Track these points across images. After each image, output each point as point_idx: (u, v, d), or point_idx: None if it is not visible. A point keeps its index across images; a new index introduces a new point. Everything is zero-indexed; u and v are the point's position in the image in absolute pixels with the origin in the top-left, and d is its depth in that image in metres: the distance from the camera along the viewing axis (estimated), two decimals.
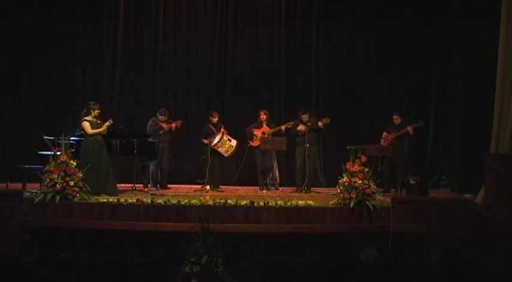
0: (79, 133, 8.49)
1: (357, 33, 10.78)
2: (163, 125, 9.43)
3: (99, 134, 8.00)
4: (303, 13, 10.95)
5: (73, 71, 10.62)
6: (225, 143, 9.30)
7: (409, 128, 9.23)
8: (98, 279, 4.52)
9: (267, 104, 10.40)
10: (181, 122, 9.67)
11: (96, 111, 8.08)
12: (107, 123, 8.05)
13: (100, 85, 10.72)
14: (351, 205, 7.18)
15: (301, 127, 9.29)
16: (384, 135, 9.49)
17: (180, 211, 7.10)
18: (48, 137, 7.75)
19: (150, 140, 9.18)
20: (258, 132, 9.54)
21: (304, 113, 9.31)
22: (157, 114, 9.53)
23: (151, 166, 9.52)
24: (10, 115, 10.29)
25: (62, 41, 10.47)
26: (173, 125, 9.49)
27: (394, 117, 9.49)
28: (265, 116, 9.60)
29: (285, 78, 10.94)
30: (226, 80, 10.99)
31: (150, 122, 9.55)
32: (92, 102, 8.19)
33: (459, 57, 10.09)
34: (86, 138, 7.98)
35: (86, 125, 7.95)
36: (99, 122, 8.07)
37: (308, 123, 9.28)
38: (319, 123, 9.26)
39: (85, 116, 8.02)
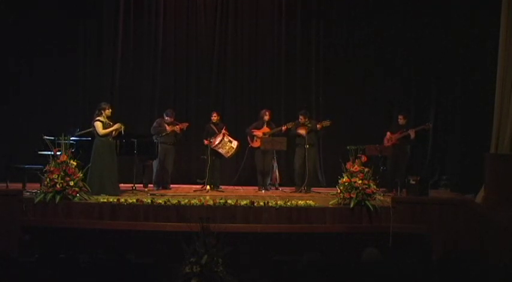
0: (79, 133, 8.53)
1: (357, 33, 10.76)
2: (168, 127, 9.36)
3: (110, 134, 8.07)
4: (303, 13, 10.94)
5: (73, 71, 10.62)
6: (226, 145, 9.29)
7: (411, 132, 9.24)
8: (98, 279, 4.52)
9: (267, 104, 10.39)
10: (187, 124, 9.51)
11: (107, 111, 8.16)
12: (116, 127, 8.11)
13: (100, 85, 10.72)
14: (351, 205, 7.19)
15: (301, 130, 9.26)
16: (387, 136, 9.50)
17: (180, 211, 7.10)
18: (48, 137, 7.75)
19: (154, 139, 9.17)
20: (258, 133, 9.53)
21: (301, 115, 9.30)
22: (164, 115, 9.49)
23: (155, 167, 9.49)
24: (10, 115, 10.28)
25: (62, 41, 10.46)
26: (178, 127, 9.41)
27: (399, 117, 9.51)
28: (268, 116, 9.59)
29: (285, 78, 10.94)
30: (226, 80, 10.99)
31: (154, 123, 9.51)
32: (103, 102, 8.32)
33: (459, 57, 10.08)
34: (97, 139, 8.06)
35: (99, 125, 8.03)
36: (111, 123, 8.15)
37: (309, 125, 9.28)
38: (318, 126, 9.25)
39: (98, 117, 8.08)
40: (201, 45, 10.91)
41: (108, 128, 8.07)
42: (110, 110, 8.21)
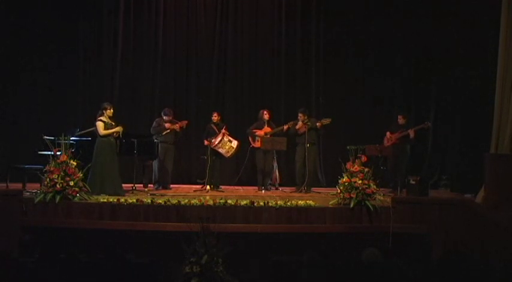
0: (79, 133, 8.54)
1: (358, 32, 10.76)
2: (167, 125, 9.37)
3: (111, 135, 8.10)
4: (303, 13, 10.95)
5: (73, 71, 10.62)
6: (225, 144, 9.28)
7: (411, 132, 9.24)
8: (97, 279, 4.52)
9: (267, 104, 10.39)
10: (186, 122, 9.51)
11: (109, 111, 8.18)
12: (117, 129, 8.13)
13: (100, 85, 10.72)
14: (351, 205, 7.19)
15: (299, 125, 9.27)
16: (387, 135, 9.51)
17: (180, 211, 7.10)
18: (48, 137, 7.76)
19: (154, 139, 9.17)
20: (260, 133, 9.52)
21: (301, 112, 9.30)
22: (162, 114, 9.48)
23: (155, 166, 9.49)
24: (10, 115, 10.29)
25: (62, 41, 10.47)
26: (177, 125, 9.42)
27: (399, 117, 9.53)
28: (268, 115, 9.59)
29: (285, 78, 10.94)
30: (226, 80, 11.00)
31: (154, 123, 9.51)
32: (106, 103, 8.36)
33: (459, 57, 10.08)
34: (98, 138, 8.10)
35: (100, 125, 8.06)
36: (113, 123, 8.16)
37: (308, 123, 9.27)
38: (317, 124, 9.25)
39: (100, 117, 8.11)
40: (201, 45, 10.91)
41: (110, 128, 8.09)
42: (112, 110, 8.24)
